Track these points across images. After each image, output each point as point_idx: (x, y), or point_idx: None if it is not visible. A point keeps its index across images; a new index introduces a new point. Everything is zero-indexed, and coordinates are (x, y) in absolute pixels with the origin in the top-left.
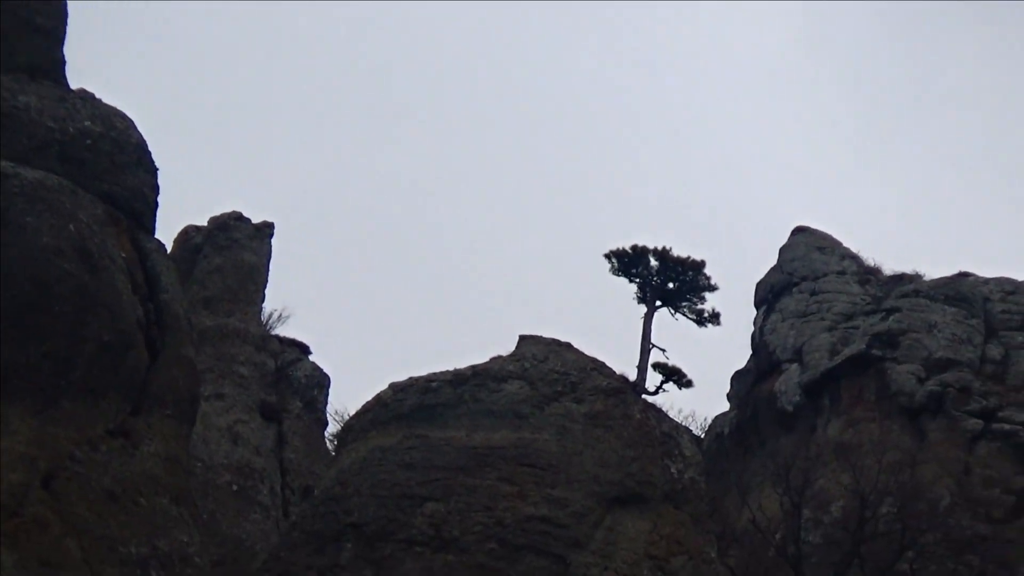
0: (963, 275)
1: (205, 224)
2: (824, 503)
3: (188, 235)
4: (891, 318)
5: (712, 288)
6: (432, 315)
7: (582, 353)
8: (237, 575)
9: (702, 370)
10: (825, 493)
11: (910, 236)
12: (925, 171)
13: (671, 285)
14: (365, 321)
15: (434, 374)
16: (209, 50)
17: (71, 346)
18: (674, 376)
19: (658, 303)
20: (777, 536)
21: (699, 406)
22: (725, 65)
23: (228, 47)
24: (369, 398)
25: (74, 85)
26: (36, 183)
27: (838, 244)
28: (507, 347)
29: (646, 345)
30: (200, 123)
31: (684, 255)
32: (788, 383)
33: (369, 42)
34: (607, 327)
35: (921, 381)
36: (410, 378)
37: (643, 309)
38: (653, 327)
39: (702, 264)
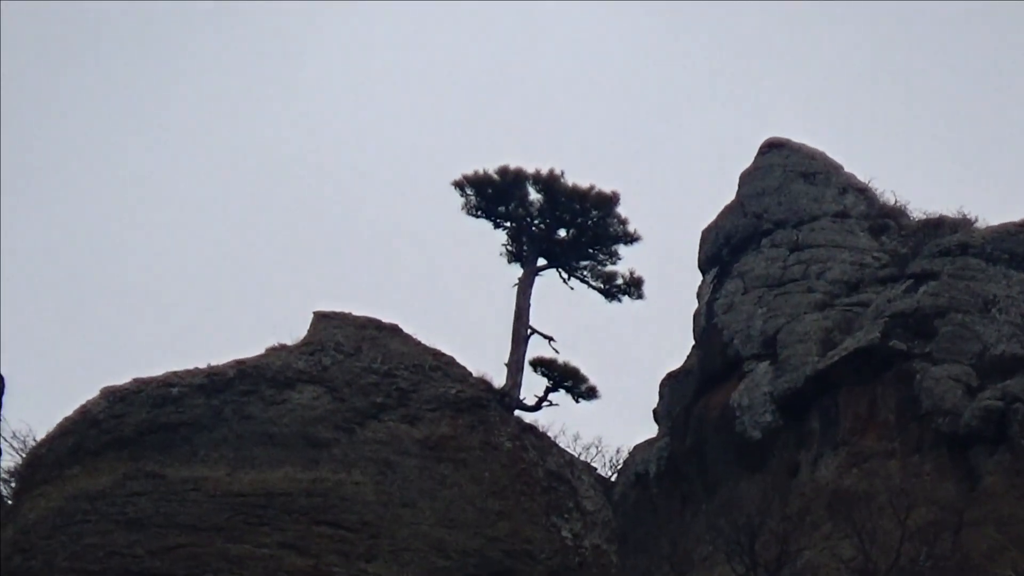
0: None
1: None
2: None
3: None
4: (922, 289)
5: (630, 239)
6: (175, 283)
7: (418, 342)
8: None
9: (613, 371)
10: (814, 573)
11: (952, 160)
12: (972, 65)
13: (563, 233)
14: (64, 290)
15: (175, 374)
16: None
17: None
18: (567, 381)
19: (542, 262)
20: None
21: (609, 430)
22: None
23: None
24: (70, 412)
25: None
26: None
27: (836, 168)
28: (295, 331)
29: (522, 330)
30: None
31: (585, 184)
32: (754, 394)
33: None
34: (459, 300)
35: (971, 392)
36: (136, 380)
37: (518, 271)
38: (534, 301)
39: (614, 199)
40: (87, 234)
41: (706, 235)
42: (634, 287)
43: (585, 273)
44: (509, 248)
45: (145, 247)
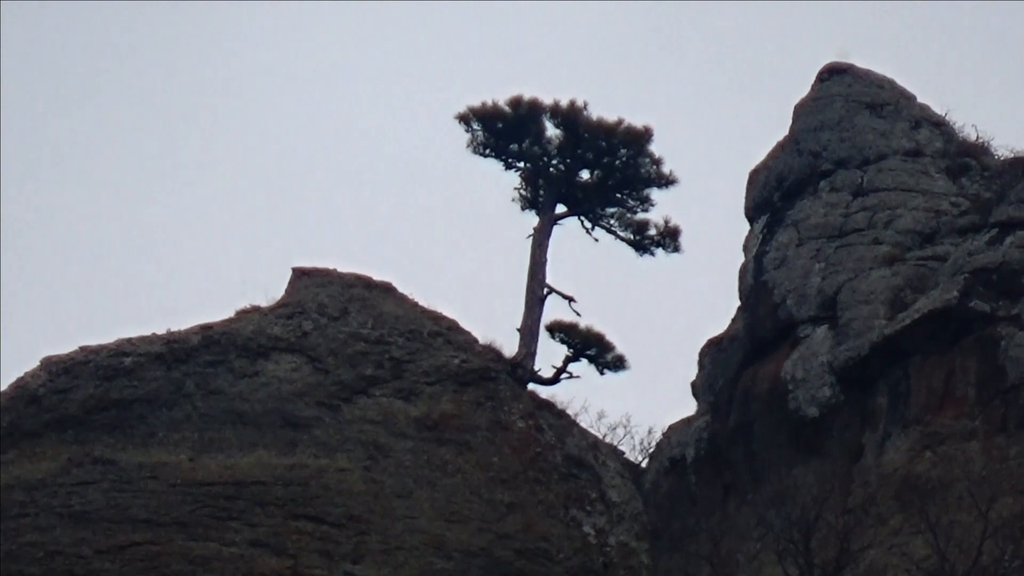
0: None
1: None
2: None
3: None
4: (1008, 241)
5: (665, 181)
6: (128, 233)
7: (414, 303)
8: None
9: (645, 338)
10: (881, 574)
11: None
12: None
13: (586, 175)
14: None
15: (129, 341)
16: None
17: None
18: (591, 349)
19: (561, 209)
20: None
21: (639, 406)
22: None
23: None
24: (4, 387)
25: None
26: None
27: (908, 98)
28: (270, 291)
29: (537, 290)
30: None
31: (611, 119)
32: (810, 364)
33: None
34: (463, 255)
35: None
36: (82, 349)
37: (533, 220)
38: (551, 255)
39: (646, 135)
40: (25, 178)
41: (754, 177)
42: (669, 238)
43: (612, 222)
44: (523, 193)
45: (94, 192)
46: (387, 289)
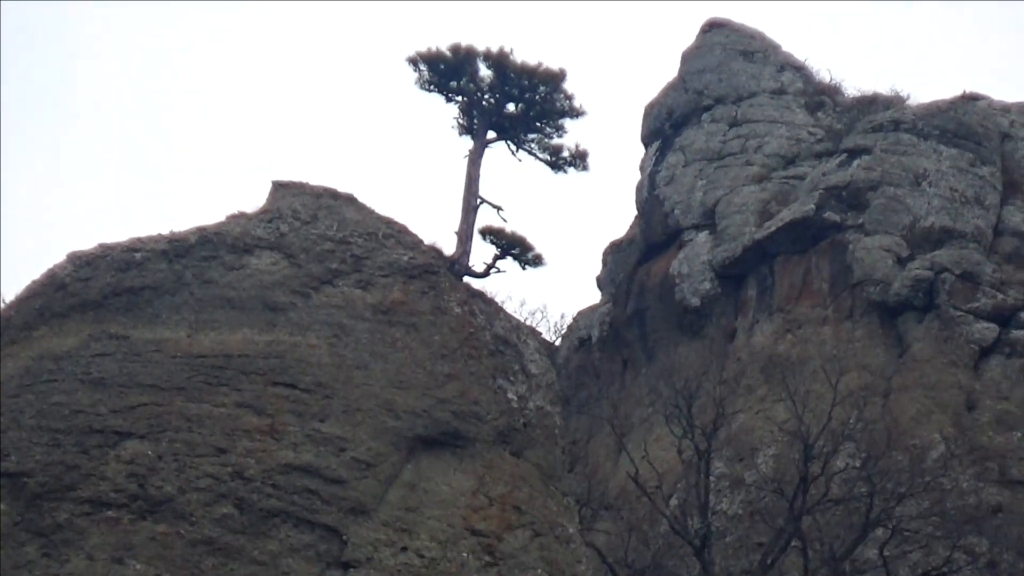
0: (970, 99)
1: None
2: (747, 451)
3: None
4: (856, 163)
5: (576, 113)
6: (138, 149)
7: (371, 211)
8: None
9: (559, 240)
10: (748, 435)
11: (886, 39)
12: None
13: (512, 107)
14: (28, 154)
15: (139, 240)
16: None
17: None
18: (515, 249)
19: (491, 135)
20: (672, 501)
21: (553, 297)
22: None
23: None
24: (36, 275)
25: None
26: None
27: (774, 48)
28: (255, 200)
29: (472, 200)
30: None
31: (533, 63)
32: (693, 263)
33: None
34: (412, 172)
35: (901, 263)
36: (101, 246)
37: (469, 143)
38: (483, 172)
39: (560, 76)
40: (62, 106)
41: (649, 110)
42: (579, 159)
43: (532, 146)
44: (460, 121)
45: (116, 122)
46: (350, 199)
